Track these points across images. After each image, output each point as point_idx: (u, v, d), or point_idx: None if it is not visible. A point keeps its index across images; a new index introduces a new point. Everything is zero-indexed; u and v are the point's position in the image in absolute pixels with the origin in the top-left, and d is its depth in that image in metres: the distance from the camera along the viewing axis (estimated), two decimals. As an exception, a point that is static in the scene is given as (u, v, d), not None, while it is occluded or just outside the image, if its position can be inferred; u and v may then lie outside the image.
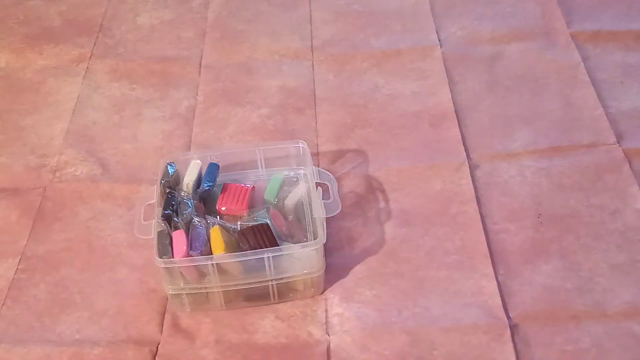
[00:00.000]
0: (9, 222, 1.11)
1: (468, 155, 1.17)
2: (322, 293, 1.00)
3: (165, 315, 0.99)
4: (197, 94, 1.31)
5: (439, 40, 1.39)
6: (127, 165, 1.19)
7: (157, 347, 0.95)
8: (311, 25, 1.44)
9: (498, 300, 0.98)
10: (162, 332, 0.97)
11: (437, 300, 0.99)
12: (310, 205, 1.04)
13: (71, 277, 1.04)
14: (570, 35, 1.38)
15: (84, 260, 1.06)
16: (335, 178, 1.09)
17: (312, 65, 1.36)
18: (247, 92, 1.31)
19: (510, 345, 0.93)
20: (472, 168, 1.15)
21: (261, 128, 1.24)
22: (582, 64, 1.32)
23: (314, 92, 1.30)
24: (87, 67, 1.37)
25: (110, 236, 1.09)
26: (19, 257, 1.06)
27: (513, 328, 0.95)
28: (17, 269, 1.05)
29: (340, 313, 0.98)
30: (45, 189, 1.15)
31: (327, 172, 1.09)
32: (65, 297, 1.02)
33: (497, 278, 1.01)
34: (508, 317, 0.96)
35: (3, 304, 1.01)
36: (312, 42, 1.40)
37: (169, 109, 1.29)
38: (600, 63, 1.32)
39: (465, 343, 0.94)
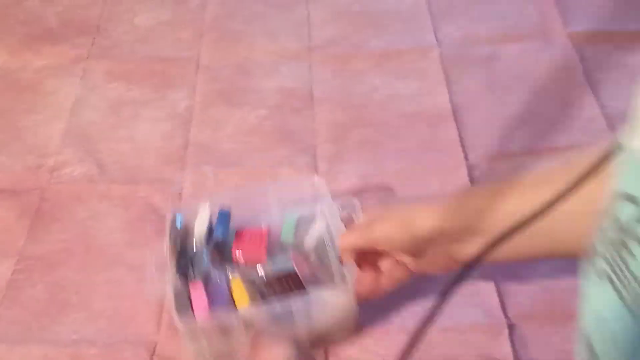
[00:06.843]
0: (7, 222, 1.11)
1: (466, 156, 1.17)
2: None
3: (163, 315, 0.99)
4: (194, 95, 1.31)
5: (437, 41, 1.39)
6: (125, 165, 1.19)
7: (155, 348, 0.95)
8: (309, 26, 1.44)
9: (496, 300, 0.98)
10: (159, 333, 0.97)
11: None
12: (333, 242, 0.94)
13: (69, 278, 1.04)
14: (568, 35, 1.38)
15: (82, 260, 1.06)
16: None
17: (310, 65, 1.36)
18: (245, 93, 1.31)
19: (508, 344, 0.93)
20: (470, 169, 1.15)
21: (259, 129, 1.24)
22: (579, 64, 1.32)
23: (312, 92, 1.30)
24: (85, 68, 1.37)
25: (107, 237, 1.09)
26: (17, 257, 1.06)
27: (511, 328, 0.95)
28: (14, 269, 1.05)
29: (339, 313, 0.98)
30: (43, 190, 1.15)
31: (350, 200, 0.97)
32: (63, 298, 1.01)
33: (495, 278, 1.00)
34: (506, 316, 0.96)
35: (1, 305, 1.01)
36: (310, 43, 1.40)
37: (166, 110, 1.29)
38: (598, 63, 1.32)
39: (463, 343, 0.94)
